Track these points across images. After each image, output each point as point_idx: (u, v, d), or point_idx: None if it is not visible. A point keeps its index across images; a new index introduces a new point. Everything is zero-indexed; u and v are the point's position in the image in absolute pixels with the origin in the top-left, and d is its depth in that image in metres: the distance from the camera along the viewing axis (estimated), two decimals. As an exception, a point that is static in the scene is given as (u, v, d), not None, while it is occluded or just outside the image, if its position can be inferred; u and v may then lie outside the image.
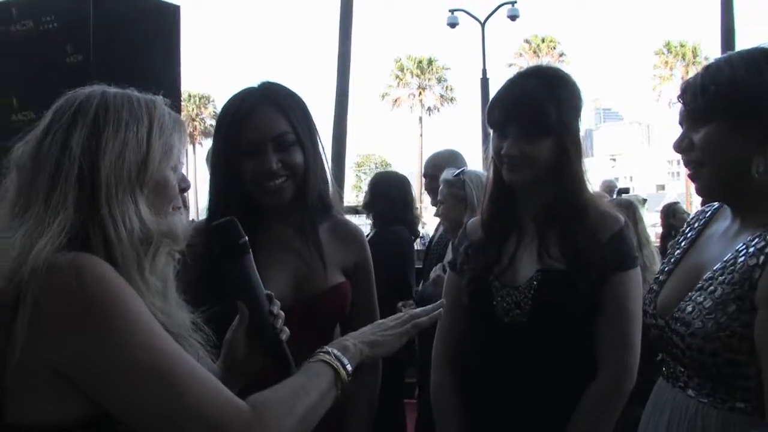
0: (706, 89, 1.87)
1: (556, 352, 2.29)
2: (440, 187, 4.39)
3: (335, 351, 1.68)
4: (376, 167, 68.26)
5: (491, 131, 2.42)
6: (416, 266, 5.44)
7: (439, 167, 4.94)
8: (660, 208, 8.84)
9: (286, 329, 1.82)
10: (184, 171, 1.71)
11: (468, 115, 55.61)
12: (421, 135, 62.25)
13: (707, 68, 1.92)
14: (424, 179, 5.19)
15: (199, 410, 1.41)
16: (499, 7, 27.03)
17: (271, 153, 2.22)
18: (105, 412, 1.42)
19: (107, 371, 1.39)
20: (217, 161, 2.31)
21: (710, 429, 1.83)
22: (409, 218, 5.31)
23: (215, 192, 2.33)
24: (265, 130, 2.23)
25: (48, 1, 5.01)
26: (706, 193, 2.01)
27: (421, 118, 62.01)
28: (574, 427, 2.26)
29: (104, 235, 1.47)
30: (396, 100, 61.86)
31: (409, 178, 6.01)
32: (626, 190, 7.99)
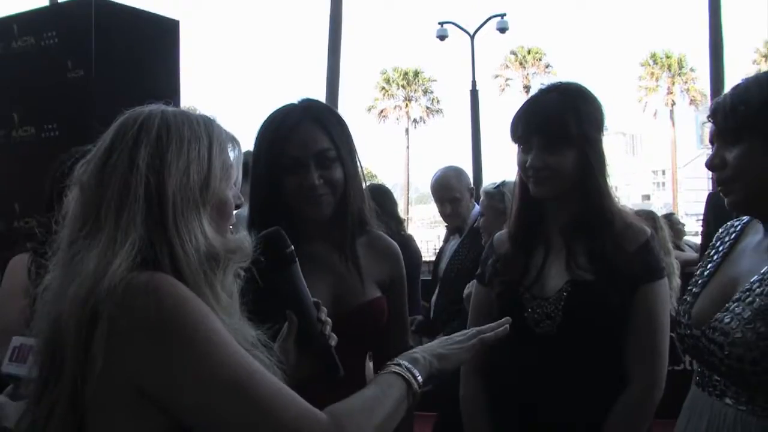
0: (736, 108, 1.92)
1: (586, 362, 2.31)
2: (481, 199, 4.46)
3: (406, 363, 1.68)
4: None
5: (516, 146, 2.46)
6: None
7: (449, 188, 4.96)
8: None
9: (334, 335, 1.85)
10: None
11: (454, 126, 55.74)
12: (407, 147, 62.37)
13: (735, 88, 1.97)
14: (439, 206, 5.11)
15: (280, 421, 1.42)
16: (489, 19, 27.15)
17: (313, 169, 2.23)
18: (183, 429, 1.44)
19: (189, 388, 1.40)
20: (258, 176, 2.32)
21: None
22: (393, 228, 5.31)
23: (256, 207, 2.34)
24: (307, 146, 2.24)
25: (49, 17, 5.03)
26: (739, 208, 2.05)
27: (407, 130, 62.08)
28: None
29: (172, 253, 1.48)
30: (382, 112, 61.89)
31: (395, 190, 6.01)
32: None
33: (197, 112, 1.67)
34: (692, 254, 7.30)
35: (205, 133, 1.59)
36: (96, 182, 1.52)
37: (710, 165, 2.01)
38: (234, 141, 1.69)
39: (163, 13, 5.34)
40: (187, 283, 1.47)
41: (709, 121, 2.02)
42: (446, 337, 1.85)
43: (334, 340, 1.85)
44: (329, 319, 1.86)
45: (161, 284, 1.41)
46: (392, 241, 2.54)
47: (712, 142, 2.03)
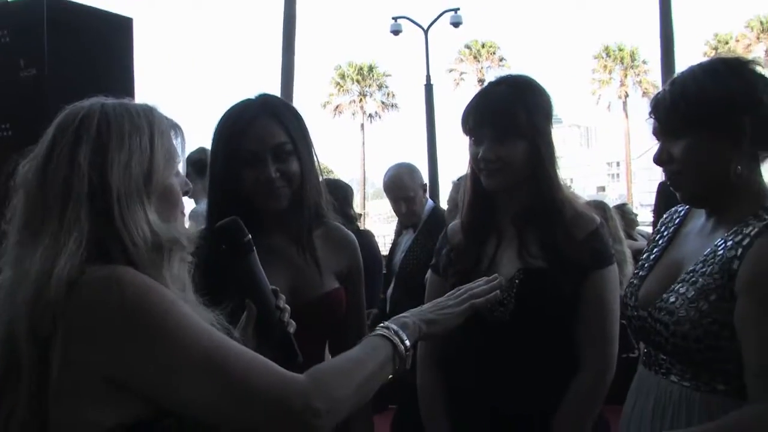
0: (677, 105, 2.00)
1: (540, 347, 2.37)
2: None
3: (395, 326, 1.73)
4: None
5: (468, 138, 2.50)
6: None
7: (403, 187, 4.99)
8: (603, 209, 8.94)
9: (293, 322, 1.90)
10: None
11: (410, 121, 55.66)
12: (363, 142, 62.21)
13: (673, 84, 2.05)
14: (393, 205, 5.14)
15: (259, 389, 1.46)
16: (443, 14, 27.18)
17: (270, 162, 2.26)
18: (148, 416, 1.47)
19: (166, 373, 1.44)
20: (215, 170, 2.35)
21: (694, 411, 1.96)
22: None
23: (214, 200, 2.37)
24: (264, 140, 2.27)
25: (0, 15, 4.96)
26: (690, 202, 2.16)
27: (362, 125, 61.90)
28: (561, 420, 2.35)
29: (123, 246, 1.50)
30: (337, 107, 61.60)
31: (351, 185, 6.02)
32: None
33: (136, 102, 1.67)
34: (644, 243, 7.39)
35: (146, 123, 1.61)
36: (38, 182, 1.55)
37: (658, 160, 2.09)
38: (176, 128, 1.71)
39: (116, 11, 5.30)
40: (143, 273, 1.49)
41: (651, 117, 2.10)
42: (437, 300, 1.92)
43: (292, 327, 1.89)
44: (288, 307, 1.90)
45: (123, 276, 1.44)
46: (349, 231, 2.58)
47: (656, 136, 2.10)
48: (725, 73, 1.98)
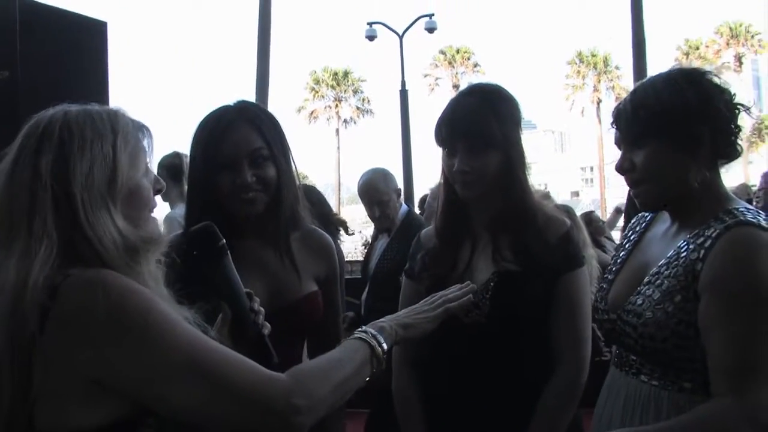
0: (637, 114, 2.06)
1: (515, 349, 2.40)
2: None
3: (372, 330, 1.79)
4: (295, 180, 67.64)
5: (441, 149, 2.53)
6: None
7: (377, 191, 5.00)
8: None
9: (267, 324, 1.93)
10: None
11: (385, 126, 55.62)
12: (338, 147, 62.17)
13: (634, 93, 2.11)
14: (368, 209, 5.13)
15: (242, 389, 1.50)
16: (417, 19, 27.26)
17: (246, 168, 2.29)
18: (133, 414, 1.49)
19: (150, 375, 1.46)
20: (193, 175, 2.38)
21: (663, 409, 2.01)
22: (333, 222, 5.29)
23: (192, 204, 2.40)
24: (241, 146, 2.30)
25: (-28, 18, 4.93)
26: (648, 208, 2.24)
27: (337, 131, 61.85)
28: (536, 421, 2.37)
29: (94, 250, 1.52)
30: (312, 113, 61.50)
31: (326, 190, 6.01)
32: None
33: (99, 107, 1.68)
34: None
35: (109, 128, 1.61)
36: (5, 194, 1.56)
37: (620, 169, 2.15)
38: (143, 129, 1.72)
39: (90, 14, 5.27)
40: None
41: (613, 127, 2.16)
42: (413, 306, 1.98)
43: (267, 329, 1.93)
44: (262, 309, 1.94)
45: (106, 279, 1.46)
46: (326, 234, 2.61)
47: (618, 145, 2.16)
48: (683, 84, 2.03)
